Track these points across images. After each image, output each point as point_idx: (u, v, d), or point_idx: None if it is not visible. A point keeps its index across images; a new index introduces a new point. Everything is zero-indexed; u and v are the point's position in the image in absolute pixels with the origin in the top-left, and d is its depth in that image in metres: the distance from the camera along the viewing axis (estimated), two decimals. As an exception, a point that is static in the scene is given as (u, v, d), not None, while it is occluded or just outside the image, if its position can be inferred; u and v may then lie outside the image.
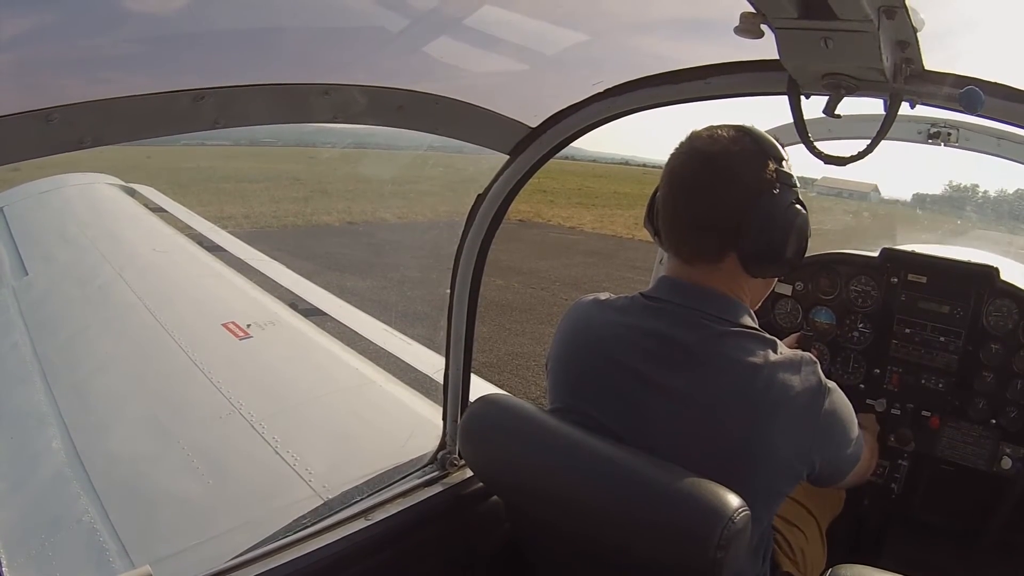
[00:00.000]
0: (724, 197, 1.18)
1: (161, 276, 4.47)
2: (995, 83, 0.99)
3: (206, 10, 1.05)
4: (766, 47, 0.97)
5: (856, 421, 1.29)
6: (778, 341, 1.21)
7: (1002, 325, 2.02)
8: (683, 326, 1.21)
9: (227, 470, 2.49)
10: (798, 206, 1.21)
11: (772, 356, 1.16)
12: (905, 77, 1.00)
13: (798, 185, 1.22)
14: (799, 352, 1.20)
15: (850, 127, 1.79)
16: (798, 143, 1.17)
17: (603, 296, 1.35)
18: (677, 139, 1.26)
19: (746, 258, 1.20)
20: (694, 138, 1.22)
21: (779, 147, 1.21)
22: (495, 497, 1.64)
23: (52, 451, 2.57)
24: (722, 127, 1.21)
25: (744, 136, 1.20)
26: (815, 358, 1.21)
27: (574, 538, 1.25)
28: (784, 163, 1.21)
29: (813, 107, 1.12)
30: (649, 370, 1.20)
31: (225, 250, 5.52)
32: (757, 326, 1.24)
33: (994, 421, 2.02)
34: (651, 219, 1.34)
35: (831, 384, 1.20)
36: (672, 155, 1.25)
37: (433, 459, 1.77)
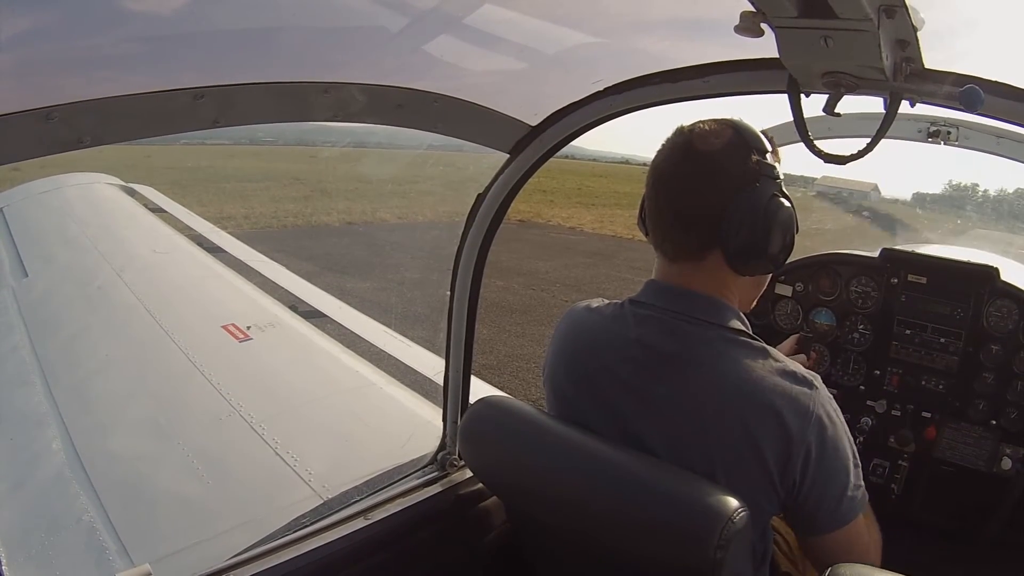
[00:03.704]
0: (704, 191, 1.15)
1: (161, 277, 4.47)
2: (995, 82, 0.98)
3: (205, 9, 1.06)
4: (766, 46, 0.97)
5: (854, 468, 1.16)
6: (769, 348, 1.17)
7: (1002, 326, 2.02)
8: (667, 333, 1.19)
9: (227, 470, 2.49)
10: (782, 199, 1.16)
11: (759, 367, 1.13)
12: (905, 76, 1.00)
13: (781, 177, 1.18)
14: (796, 367, 1.15)
15: (850, 126, 1.79)
16: (798, 142, 1.15)
17: (595, 303, 1.33)
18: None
19: (729, 254, 1.16)
20: (677, 133, 1.20)
21: (763, 139, 1.18)
22: (494, 498, 1.64)
23: (52, 451, 2.57)
24: (706, 121, 1.18)
25: (726, 128, 1.16)
26: (817, 379, 1.15)
27: (573, 538, 1.25)
28: (768, 155, 1.17)
29: (813, 106, 1.11)
30: (634, 380, 1.19)
31: (225, 251, 5.52)
32: (747, 329, 1.20)
33: (994, 422, 2.02)
34: (643, 218, 1.31)
35: (822, 412, 1.12)
36: (657, 151, 1.22)
37: (433, 460, 1.77)
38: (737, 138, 1.16)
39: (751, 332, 1.20)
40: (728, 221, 1.14)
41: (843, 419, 1.17)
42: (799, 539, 1.36)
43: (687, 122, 1.21)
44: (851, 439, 1.18)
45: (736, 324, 1.20)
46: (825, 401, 1.14)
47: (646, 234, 1.31)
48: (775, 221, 1.14)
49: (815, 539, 1.21)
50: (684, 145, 1.18)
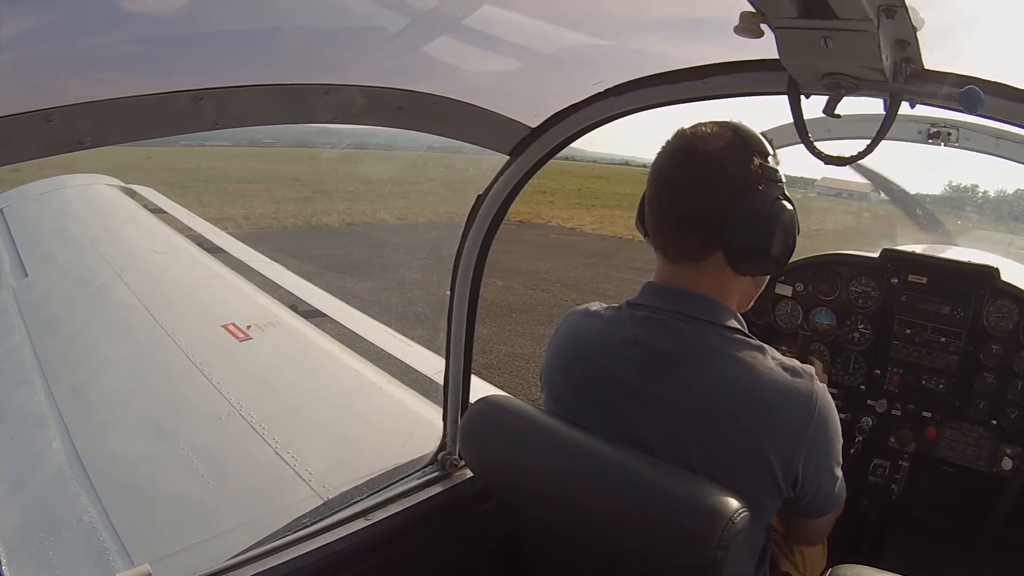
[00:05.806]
0: (708, 193, 1.17)
1: (161, 277, 4.46)
2: (995, 82, 0.98)
3: (206, 10, 1.05)
4: (766, 47, 0.97)
5: (840, 459, 1.22)
6: (767, 347, 1.18)
7: (1002, 326, 2.02)
8: (665, 333, 1.19)
9: (227, 470, 2.49)
10: (784, 202, 1.18)
11: (758, 363, 1.14)
12: (905, 77, 1.00)
13: (784, 180, 1.19)
14: (793, 362, 1.17)
15: (850, 127, 1.79)
16: (798, 143, 1.16)
17: (593, 307, 1.34)
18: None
19: (731, 255, 1.18)
20: (679, 135, 1.20)
21: (765, 142, 1.19)
22: (495, 498, 1.64)
23: (52, 451, 2.57)
24: (707, 123, 1.20)
25: (729, 131, 1.18)
26: (812, 371, 1.17)
27: (574, 539, 1.25)
28: (770, 158, 1.19)
29: (813, 107, 1.11)
30: (633, 380, 1.19)
31: (225, 251, 5.51)
32: (743, 327, 1.21)
33: (994, 422, 2.02)
34: (642, 219, 1.32)
35: (823, 404, 1.15)
36: (658, 153, 1.23)
37: (433, 460, 1.77)
38: (739, 140, 1.17)
39: (747, 331, 1.21)
40: (731, 223, 1.15)
41: (834, 406, 1.20)
42: (785, 521, 1.41)
43: (687, 124, 1.22)
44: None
45: (732, 323, 1.21)
46: (823, 393, 1.16)
47: (645, 235, 1.32)
48: (777, 223, 1.16)
49: (806, 522, 1.29)
50: (686, 148, 1.18)
